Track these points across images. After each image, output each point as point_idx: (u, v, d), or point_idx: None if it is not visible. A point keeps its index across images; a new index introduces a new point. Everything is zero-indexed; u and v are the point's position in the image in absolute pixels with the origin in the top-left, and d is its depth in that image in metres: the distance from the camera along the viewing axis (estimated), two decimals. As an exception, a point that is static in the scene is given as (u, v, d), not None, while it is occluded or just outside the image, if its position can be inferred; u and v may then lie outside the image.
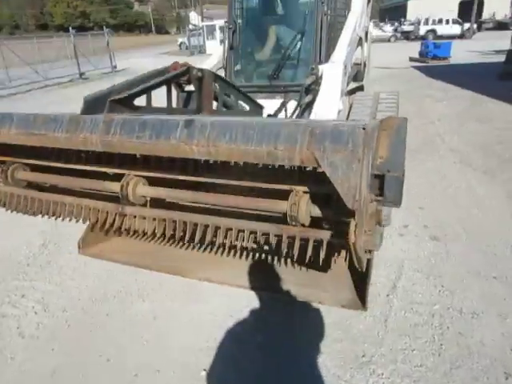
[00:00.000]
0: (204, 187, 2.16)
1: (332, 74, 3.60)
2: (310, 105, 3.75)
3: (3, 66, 15.87)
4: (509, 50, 12.68)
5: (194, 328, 2.83)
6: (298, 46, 4.21)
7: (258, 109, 2.81)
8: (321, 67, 3.72)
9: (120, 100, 2.27)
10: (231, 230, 2.04)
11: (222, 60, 4.55)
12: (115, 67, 21.14)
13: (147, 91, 2.23)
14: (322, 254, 1.80)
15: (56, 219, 2.67)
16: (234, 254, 2.90)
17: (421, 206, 4.33)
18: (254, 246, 2.07)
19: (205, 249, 2.93)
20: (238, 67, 4.52)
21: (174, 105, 2.55)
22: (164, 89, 2.79)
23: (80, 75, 18.66)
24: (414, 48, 20.74)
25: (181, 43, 38.59)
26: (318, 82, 3.72)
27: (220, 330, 2.77)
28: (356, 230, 1.43)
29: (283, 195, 1.85)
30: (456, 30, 32.17)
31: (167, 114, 2.16)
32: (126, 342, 2.77)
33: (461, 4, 43.39)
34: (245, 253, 2.89)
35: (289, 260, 2.85)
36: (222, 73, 4.61)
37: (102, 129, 1.71)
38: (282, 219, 1.86)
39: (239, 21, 4.51)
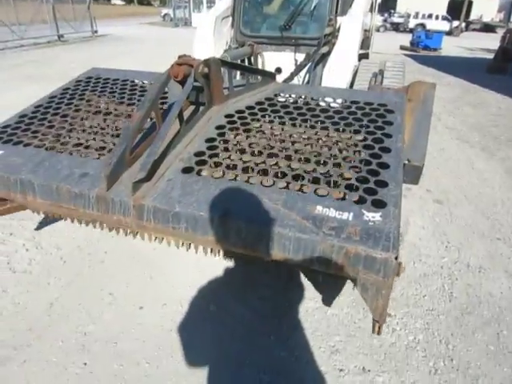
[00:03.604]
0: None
1: (351, 27, 3.48)
2: (324, 57, 3.63)
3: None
4: (498, 48, 13.24)
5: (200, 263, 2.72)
6: (313, -1, 4.05)
7: (270, 78, 2.62)
8: (339, 19, 3.60)
9: None
10: None
11: (230, 8, 4.34)
12: (96, 32, 20.19)
13: (153, 109, 1.94)
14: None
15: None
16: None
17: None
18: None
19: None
20: (246, 17, 4.32)
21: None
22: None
23: (58, 37, 17.65)
24: (403, 39, 20.88)
25: (165, 14, 37.12)
26: (335, 34, 3.61)
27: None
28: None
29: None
30: (445, 26, 32.45)
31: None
32: (128, 277, 2.65)
33: (450, 3, 43.93)
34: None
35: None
36: (229, 21, 4.42)
37: (135, 214, 1.64)
38: None
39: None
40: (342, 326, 2.28)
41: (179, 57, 2.09)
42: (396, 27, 34.28)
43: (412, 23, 32.54)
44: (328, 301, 2.41)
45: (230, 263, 2.74)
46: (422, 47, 17.27)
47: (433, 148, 5.11)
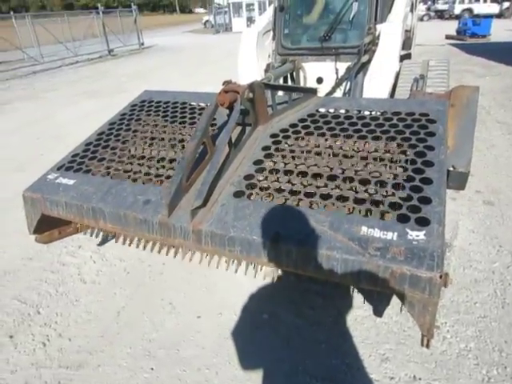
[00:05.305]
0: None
1: (390, 34, 3.50)
2: (365, 65, 3.67)
3: (35, 43, 16.10)
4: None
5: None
6: (352, 7, 4.09)
7: (311, 94, 2.71)
8: (378, 27, 3.62)
9: None
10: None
11: (271, 22, 4.47)
12: (143, 44, 21.23)
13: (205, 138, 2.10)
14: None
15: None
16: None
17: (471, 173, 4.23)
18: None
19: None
20: (287, 30, 4.43)
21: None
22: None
23: (109, 52, 18.84)
24: (449, 27, 20.02)
25: (206, 21, 38.09)
26: (374, 42, 3.63)
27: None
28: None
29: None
30: (494, 8, 30.61)
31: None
32: (185, 288, 2.85)
33: (499, -18, 41.36)
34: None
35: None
36: (270, 35, 4.56)
37: (194, 239, 1.81)
38: None
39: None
40: (391, 334, 2.34)
41: (224, 82, 2.24)
42: (440, 15, 32.84)
43: (458, 9, 31.00)
44: (378, 311, 2.47)
45: (280, 273, 2.86)
46: (470, 35, 16.45)
47: (482, 145, 4.96)
